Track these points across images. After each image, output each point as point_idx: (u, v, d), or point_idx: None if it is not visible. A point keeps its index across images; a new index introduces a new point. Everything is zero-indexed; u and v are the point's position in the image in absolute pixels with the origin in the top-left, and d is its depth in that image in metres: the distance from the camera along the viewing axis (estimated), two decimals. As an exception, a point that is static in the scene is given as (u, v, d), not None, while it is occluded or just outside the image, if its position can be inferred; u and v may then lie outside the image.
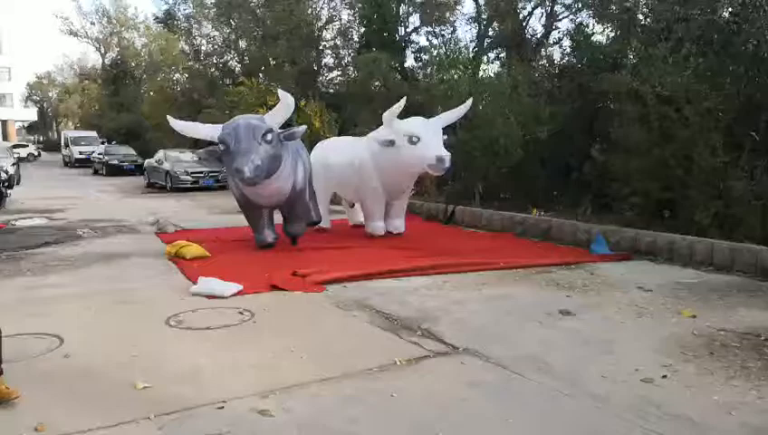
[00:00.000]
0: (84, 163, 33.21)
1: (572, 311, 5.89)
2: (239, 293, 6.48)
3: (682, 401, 3.86)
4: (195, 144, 20.13)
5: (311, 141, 12.52)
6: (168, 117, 9.13)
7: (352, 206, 11.47)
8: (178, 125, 8.98)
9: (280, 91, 8.59)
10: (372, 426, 3.56)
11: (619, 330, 5.35)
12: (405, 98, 9.59)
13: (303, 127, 8.78)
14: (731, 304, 6.15)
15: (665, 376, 4.27)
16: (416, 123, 9.36)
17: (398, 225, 10.33)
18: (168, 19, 30.79)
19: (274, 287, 6.75)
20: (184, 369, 4.40)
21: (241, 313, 5.83)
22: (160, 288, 6.89)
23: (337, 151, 10.51)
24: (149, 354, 4.70)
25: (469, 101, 10.06)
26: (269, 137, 8.06)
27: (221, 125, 8.47)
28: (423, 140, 8.99)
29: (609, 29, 12.69)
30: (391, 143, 9.16)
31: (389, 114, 9.33)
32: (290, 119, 9.20)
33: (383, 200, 9.99)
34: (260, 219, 9.08)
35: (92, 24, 45.10)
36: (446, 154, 8.84)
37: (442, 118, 9.66)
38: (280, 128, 8.36)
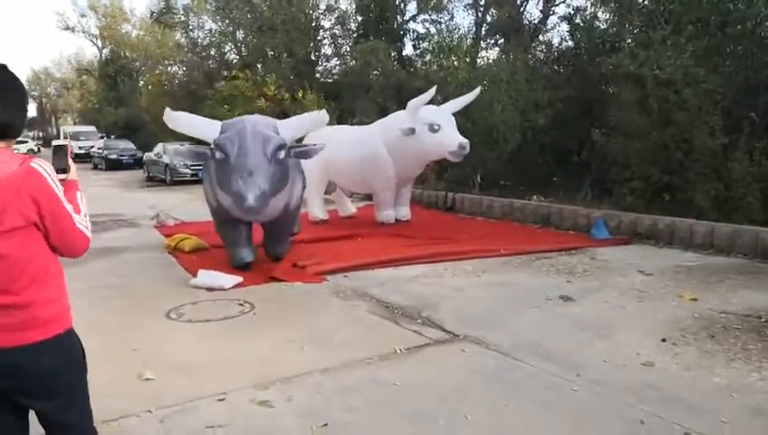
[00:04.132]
0: (84, 158, 33.19)
1: (573, 296, 5.89)
2: (239, 285, 6.48)
3: (683, 384, 3.86)
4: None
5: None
6: (167, 109, 6.99)
7: (350, 196, 11.45)
8: (172, 118, 6.89)
9: (323, 112, 7.14)
10: (373, 415, 3.56)
11: (620, 314, 5.35)
12: (435, 87, 9.61)
13: (323, 144, 7.08)
14: (731, 286, 6.15)
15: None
16: (434, 111, 9.38)
17: (405, 213, 10.43)
18: (163, 14, 30.58)
19: (274, 279, 6.75)
20: (184, 361, 4.41)
21: (241, 304, 5.84)
22: (160, 281, 6.89)
23: (340, 144, 9.89)
24: (150, 347, 4.70)
25: (477, 90, 10.07)
26: (281, 155, 6.39)
27: (220, 123, 6.83)
28: (443, 127, 9.07)
29: (607, 12, 12.63)
30: (412, 131, 9.16)
31: (416, 103, 9.34)
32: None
33: (395, 189, 10.03)
34: (238, 234, 7.24)
35: (83, 16, 44.90)
36: (466, 141, 8.99)
37: (451, 105, 9.69)
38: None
